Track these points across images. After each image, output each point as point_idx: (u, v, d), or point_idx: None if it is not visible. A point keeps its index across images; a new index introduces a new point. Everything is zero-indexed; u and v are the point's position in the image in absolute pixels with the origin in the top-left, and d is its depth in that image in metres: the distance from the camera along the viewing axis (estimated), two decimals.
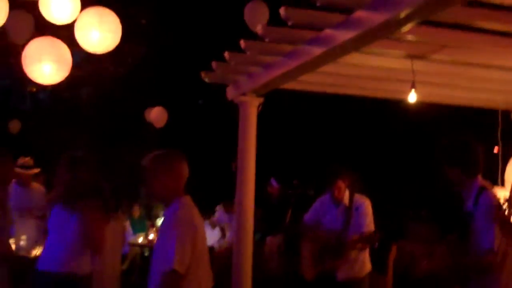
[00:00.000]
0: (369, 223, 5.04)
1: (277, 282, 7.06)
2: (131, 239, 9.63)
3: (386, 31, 3.54)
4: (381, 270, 6.14)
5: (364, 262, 5.15)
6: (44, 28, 5.90)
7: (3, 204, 4.43)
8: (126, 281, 7.49)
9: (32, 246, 5.70)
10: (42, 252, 4.20)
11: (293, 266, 6.11)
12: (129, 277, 8.63)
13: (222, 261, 6.84)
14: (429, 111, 6.88)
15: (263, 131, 5.69)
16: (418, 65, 4.59)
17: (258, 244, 7.23)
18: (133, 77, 12.83)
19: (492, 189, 3.42)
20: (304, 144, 13.32)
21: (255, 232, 5.82)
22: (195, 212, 3.20)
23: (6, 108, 14.02)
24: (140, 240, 9.58)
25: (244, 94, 5.43)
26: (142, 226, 10.32)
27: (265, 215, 7.64)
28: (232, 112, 5.79)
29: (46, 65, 5.07)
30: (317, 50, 4.04)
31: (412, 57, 4.51)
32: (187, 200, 3.20)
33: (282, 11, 3.66)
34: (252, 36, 4.56)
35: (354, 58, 4.44)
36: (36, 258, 4.72)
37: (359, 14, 3.47)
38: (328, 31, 3.85)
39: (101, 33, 4.96)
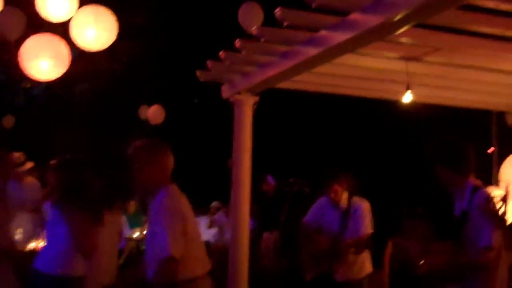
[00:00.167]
0: (366, 226, 5.04)
1: (273, 278, 7.07)
2: (127, 234, 9.67)
3: (381, 34, 3.57)
4: (377, 265, 6.17)
5: (364, 264, 5.15)
6: (39, 25, 5.90)
7: (4, 201, 4.43)
8: (123, 274, 7.49)
9: (28, 239, 5.71)
10: (41, 250, 4.21)
11: (289, 263, 6.13)
12: (125, 271, 8.64)
13: (218, 257, 6.85)
14: (423, 112, 6.91)
15: (260, 129, 5.70)
16: (413, 66, 4.62)
17: (254, 241, 7.23)
18: (128, 74, 12.82)
19: (485, 188, 3.44)
20: (301, 142, 13.35)
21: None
22: (183, 200, 3.23)
23: (0, 103, 13.99)
24: (136, 235, 9.65)
25: (239, 93, 5.43)
26: (138, 221, 10.34)
27: (261, 211, 7.65)
28: (228, 110, 5.79)
29: (43, 61, 5.08)
30: (312, 51, 4.05)
31: (406, 59, 4.54)
32: (174, 188, 3.22)
33: (277, 12, 3.67)
34: (247, 36, 4.57)
35: (349, 59, 4.45)
36: (32, 252, 4.72)
37: (355, 16, 3.49)
38: (323, 32, 3.86)
39: (96, 31, 4.99)
